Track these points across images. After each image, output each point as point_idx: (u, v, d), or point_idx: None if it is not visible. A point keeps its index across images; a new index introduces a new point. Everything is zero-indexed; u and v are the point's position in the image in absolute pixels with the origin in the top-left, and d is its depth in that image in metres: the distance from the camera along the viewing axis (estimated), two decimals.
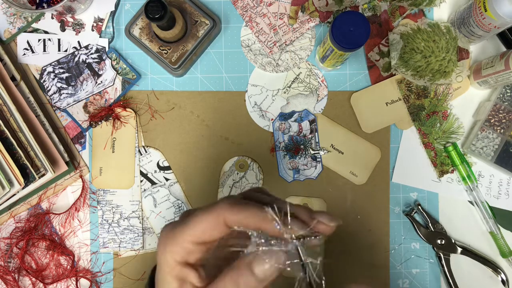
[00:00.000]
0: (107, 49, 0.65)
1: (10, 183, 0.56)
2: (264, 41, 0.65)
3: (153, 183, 0.65)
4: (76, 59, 0.65)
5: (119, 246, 0.64)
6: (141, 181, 0.65)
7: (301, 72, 0.65)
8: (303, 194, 0.65)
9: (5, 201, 0.58)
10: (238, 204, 0.30)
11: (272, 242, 0.28)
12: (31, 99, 0.62)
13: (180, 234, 0.31)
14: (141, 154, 0.65)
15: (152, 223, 0.65)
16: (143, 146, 0.65)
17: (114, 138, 0.64)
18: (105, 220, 0.64)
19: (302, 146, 0.65)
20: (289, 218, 0.28)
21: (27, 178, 0.58)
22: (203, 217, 0.31)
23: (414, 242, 0.65)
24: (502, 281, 0.64)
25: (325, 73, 0.66)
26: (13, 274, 0.63)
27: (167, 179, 0.65)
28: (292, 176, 0.65)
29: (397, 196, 0.66)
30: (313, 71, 0.65)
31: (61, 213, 0.64)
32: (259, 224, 0.29)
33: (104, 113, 0.64)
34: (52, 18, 0.65)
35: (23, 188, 0.58)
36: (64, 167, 0.61)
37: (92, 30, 0.65)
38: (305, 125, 0.65)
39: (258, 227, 0.29)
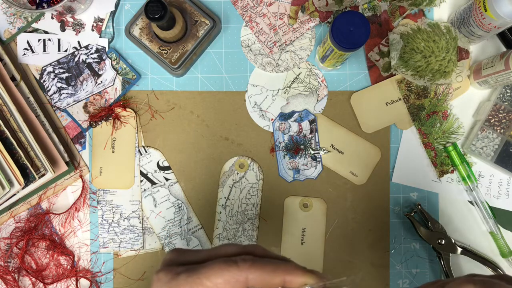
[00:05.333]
0: (107, 49, 0.65)
1: (10, 183, 0.56)
2: (264, 41, 0.65)
3: (153, 183, 0.65)
4: (76, 59, 0.65)
5: (119, 246, 0.64)
6: (141, 181, 0.65)
7: (301, 72, 0.65)
8: (303, 194, 0.65)
9: (5, 201, 0.58)
10: (260, 259, 0.29)
11: None
12: (31, 99, 0.62)
13: (189, 282, 0.28)
14: (141, 154, 0.65)
15: (152, 223, 0.65)
16: (143, 146, 0.65)
17: (114, 138, 0.64)
18: (105, 220, 0.64)
19: (302, 146, 0.65)
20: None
21: (27, 178, 0.58)
22: (222, 269, 0.28)
23: (414, 242, 0.65)
24: None
25: (325, 73, 0.66)
26: (13, 274, 0.63)
27: (167, 179, 0.65)
28: (292, 176, 0.65)
29: (397, 196, 0.66)
30: (313, 71, 0.65)
31: (61, 213, 0.64)
32: (285, 277, 0.28)
33: (104, 113, 0.64)
34: (52, 18, 0.65)
35: (23, 188, 0.58)
36: (64, 167, 0.61)
37: (92, 30, 0.65)
38: (305, 125, 0.65)
39: (284, 282, 0.28)
